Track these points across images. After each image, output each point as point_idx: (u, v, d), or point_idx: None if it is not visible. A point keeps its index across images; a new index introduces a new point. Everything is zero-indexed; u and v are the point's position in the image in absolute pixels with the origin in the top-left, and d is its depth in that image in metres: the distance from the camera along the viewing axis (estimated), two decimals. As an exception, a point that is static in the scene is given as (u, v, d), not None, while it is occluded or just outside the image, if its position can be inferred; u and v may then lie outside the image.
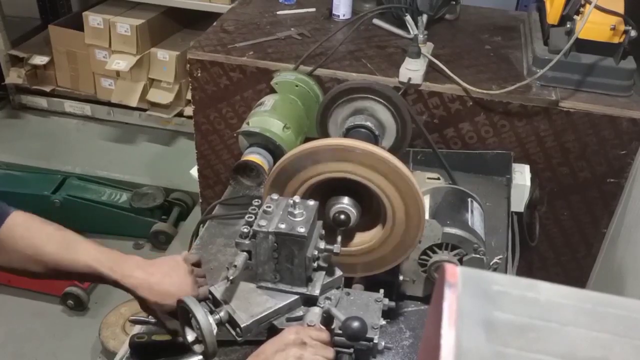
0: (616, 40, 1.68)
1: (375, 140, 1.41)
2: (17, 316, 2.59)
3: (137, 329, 1.30)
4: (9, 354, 2.45)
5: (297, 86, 1.73)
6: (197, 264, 1.21)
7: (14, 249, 1.09)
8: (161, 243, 2.89)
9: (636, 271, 1.69)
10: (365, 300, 1.14)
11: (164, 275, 1.11)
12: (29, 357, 2.45)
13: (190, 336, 1.04)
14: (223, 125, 1.96)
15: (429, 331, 0.53)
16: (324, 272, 1.10)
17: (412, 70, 1.73)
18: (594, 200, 1.85)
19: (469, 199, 1.42)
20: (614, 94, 1.73)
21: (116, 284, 1.09)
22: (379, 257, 1.23)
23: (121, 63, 3.18)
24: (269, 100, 1.66)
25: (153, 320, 1.17)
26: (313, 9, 2.16)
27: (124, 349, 1.27)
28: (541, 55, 1.78)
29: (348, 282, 1.23)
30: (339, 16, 2.10)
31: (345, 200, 1.18)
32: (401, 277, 1.31)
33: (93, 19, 3.19)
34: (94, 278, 1.11)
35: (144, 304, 1.11)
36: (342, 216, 1.16)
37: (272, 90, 1.76)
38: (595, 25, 1.66)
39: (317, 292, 1.07)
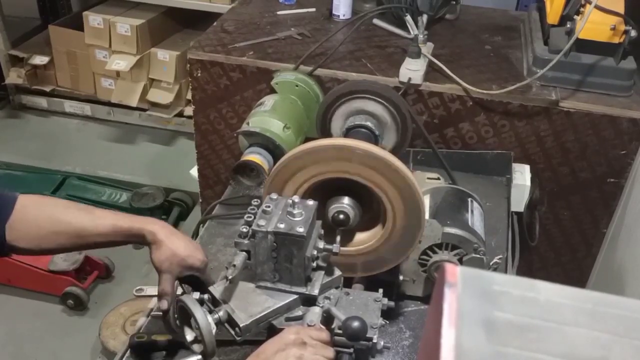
0: (616, 40, 1.68)
1: (375, 140, 1.41)
2: (17, 316, 2.59)
3: (137, 328, 1.30)
4: (9, 354, 2.45)
5: (297, 86, 1.73)
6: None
7: (32, 228, 1.10)
8: (161, 243, 2.89)
9: (636, 271, 1.69)
10: (364, 300, 1.13)
11: (184, 240, 1.13)
12: (29, 357, 2.44)
13: (190, 336, 1.04)
14: (223, 125, 1.96)
15: (429, 331, 0.53)
16: (323, 272, 1.10)
17: (412, 70, 1.73)
18: (594, 200, 1.85)
19: (469, 199, 1.42)
20: (614, 94, 1.73)
21: (141, 238, 1.12)
22: (379, 257, 1.23)
23: (121, 63, 3.18)
24: (269, 100, 1.66)
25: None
26: (313, 9, 2.16)
27: (123, 349, 1.27)
28: (541, 55, 1.77)
29: (348, 282, 1.23)
30: (339, 16, 2.10)
31: (345, 200, 1.18)
32: (401, 277, 1.31)
33: (93, 19, 3.19)
34: (120, 236, 1.13)
35: (158, 255, 1.11)
36: (342, 216, 1.16)
37: (272, 90, 1.76)
38: (595, 25, 1.66)
39: (316, 291, 1.07)
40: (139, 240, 1.14)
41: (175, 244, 1.11)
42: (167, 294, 1.12)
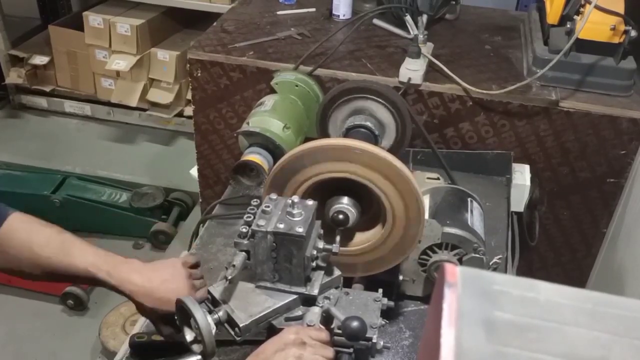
0: (616, 40, 1.68)
1: (375, 140, 1.41)
2: (17, 316, 2.59)
3: (137, 328, 1.30)
4: (9, 353, 2.45)
5: (297, 86, 1.73)
6: (195, 266, 1.21)
7: (11, 250, 1.09)
8: (161, 243, 2.89)
9: (636, 271, 1.69)
10: (364, 299, 1.13)
11: (162, 281, 1.10)
12: (29, 357, 2.44)
13: (189, 336, 1.04)
14: (223, 125, 1.96)
15: (428, 331, 0.53)
16: (322, 272, 1.10)
17: (412, 70, 1.73)
18: (594, 200, 1.85)
19: (469, 199, 1.42)
20: (614, 94, 1.73)
21: (114, 288, 1.10)
22: (379, 257, 1.23)
23: (121, 63, 3.18)
24: (269, 100, 1.66)
25: None
26: (313, 9, 2.16)
27: (124, 349, 1.27)
28: (541, 55, 1.77)
29: (348, 282, 1.23)
30: (339, 16, 2.10)
31: (345, 200, 1.18)
32: (401, 277, 1.31)
33: (93, 19, 3.19)
34: (92, 282, 1.11)
35: (141, 308, 1.11)
36: (341, 216, 1.16)
37: (272, 90, 1.76)
38: (595, 25, 1.66)
39: (315, 291, 1.07)
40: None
41: (155, 295, 1.09)
42: (173, 335, 1.12)
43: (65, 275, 1.11)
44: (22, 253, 1.09)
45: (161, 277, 1.11)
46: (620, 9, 1.66)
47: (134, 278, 1.09)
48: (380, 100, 1.43)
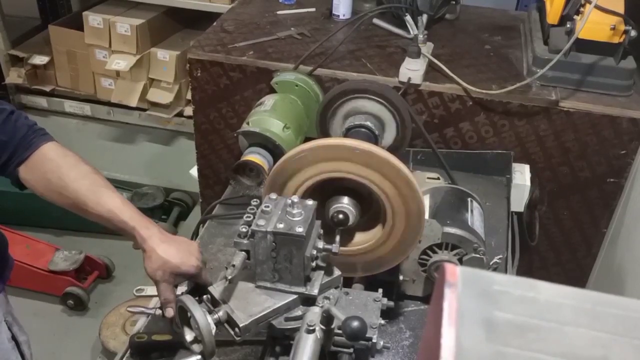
0: (616, 40, 1.68)
1: (375, 140, 1.41)
2: (17, 316, 2.58)
3: (137, 328, 1.30)
4: (8, 354, 2.45)
5: (297, 86, 1.73)
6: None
7: (42, 179, 1.16)
8: (161, 243, 2.89)
9: (636, 271, 1.69)
10: (363, 299, 1.13)
11: (176, 246, 1.14)
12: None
13: (189, 336, 1.04)
14: (223, 125, 1.96)
15: (428, 331, 0.53)
16: (322, 272, 1.10)
17: (412, 70, 1.73)
18: (594, 200, 1.85)
19: (469, 199, 1.42)
20: (614, 94, 1.73)
21: (133, 236, 1.14)
22: (379, 257, 1.23)
23: (121, 63, 3.17)
24: (269, 100, 1.66)
25: (149, 310, 1.18)
26: (313, 9, 2.16)
27: (123, 349, 1.27)
28: (541, 55, 1.77)
29: (348, 282, 1.23)
30: (339, 16, 2.10)
31: (345, 200, 1.18)
32: (401, 277, 1.31)
33: (93, 19, 3.19)
34: (113, 226, 1.15)
35: (150, 264, 1.13)
36: (341, 216, 1.16)
37: (272, 90, 1.76)
38: (595, 25, 1.66)
39: (315, 291, 1.07)
40: (131, 238, 1.15)
41: (167, 252, 1.12)
42: (170, 302, 1.13)
43: (91, 212, 1.15)
44: (52, 182, 1.15)
45: (179, 243, 1.16)
46: (620, 9, 1.66)
47: (156, 232, 1.14)
48: (380, 100, 1.43)
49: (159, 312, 1.18)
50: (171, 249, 1.13)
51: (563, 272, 2.01)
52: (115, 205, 1.14)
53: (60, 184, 1.14)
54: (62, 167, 1.16)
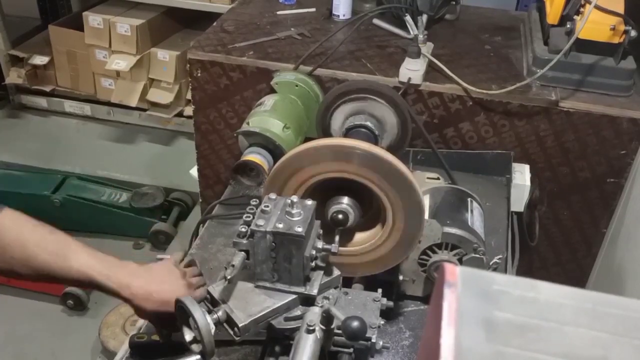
0: (616, 40, 1.68)
1: (375, 140, 1.41)
2: (17, 316, 2.59)
3: (137, 328, 1.30)
4: (9, 354, 2.45)
5: (297, 86, 1.73)
6: (189, 265, 1.21)
7: (3, 249, 1.04)
8: (161, 243, 2.89)
9: (636, 271, 1.69)
10: (363, 299, 1.13)
11: (160, 283, 1.10)
12: (29, 357, 2.44)
13: (188, 336, 1.04)
14: (223, 125, 1.96)
15: (428, 331, 0.53)
16: (322, 272, 1.10)
17: (412, 70, 1.73)
18: (594, 200, 1.85)
19: (469, 199, 1.42)
20: (614, 94, 1.73)
21: (112, 292, 1.07)
22: (379, 257, 1.23)
23: (121, 63, 3.18)
24: (269, 100, 1.66)
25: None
26: (313, 9, 2.16)
27: (124, 349, 1.27)
28: (541, 55, 1.77)
29: (348, 282, 1.23)
30: (339, 16, 2.10)
31: (345, 200, 1.18)
32: (401, 277, 1.31)
33: (93, 19, 3.19)
34: (88, 285, 1.08)
35: (140, 311, 1.10)
36: (340, 216, 1.16)
37: (272, 90, 1.76)
38: (595, 25, 1.66)
39: (315, 291, 1.07)
40: (106, 292, 1.09)
41: (154, 297, 1.08)
42: (171, 333, 1.13)
43: (60, 278, 1.07)
44: (14, 253, 1.04)
45: (158, 279, 1.11)
46: (620, 9, 1.66)
47: (133, 282, 1.07)
48: (381, 100, 1.43)
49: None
50: (158, 295, 1.08)
51: (563, 272, 2.01)
52: (88, 266, 1.05)
53: (25, 256, 1.04)
54: (23, 235, 1.05)
